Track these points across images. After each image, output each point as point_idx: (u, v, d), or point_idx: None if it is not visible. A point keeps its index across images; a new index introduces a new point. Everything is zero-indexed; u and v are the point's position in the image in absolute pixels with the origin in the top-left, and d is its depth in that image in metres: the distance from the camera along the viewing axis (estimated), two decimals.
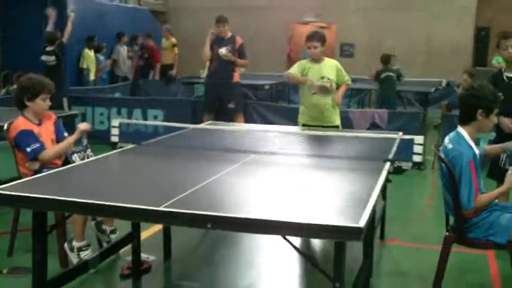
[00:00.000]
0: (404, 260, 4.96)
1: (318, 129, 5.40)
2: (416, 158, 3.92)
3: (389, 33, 17.73)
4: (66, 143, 4.53)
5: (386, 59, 11.75)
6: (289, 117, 8.89)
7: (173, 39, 14.85)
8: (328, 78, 5.94)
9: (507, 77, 4.92)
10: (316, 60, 5.99)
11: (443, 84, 13.48)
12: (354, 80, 12.78)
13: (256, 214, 2.61)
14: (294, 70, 6.09)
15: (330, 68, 6.01)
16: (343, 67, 6.15)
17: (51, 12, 10.02)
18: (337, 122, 6.06)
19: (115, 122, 4.56)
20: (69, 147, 4.50)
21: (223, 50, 8.53)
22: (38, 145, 4.40)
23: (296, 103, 14.31)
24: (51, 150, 4.47)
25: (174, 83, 14.57)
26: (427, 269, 4.20)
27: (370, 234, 3.78)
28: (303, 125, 6.03)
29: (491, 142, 5.04)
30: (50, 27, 9.86)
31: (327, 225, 2.42)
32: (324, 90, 5.88)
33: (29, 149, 4.39)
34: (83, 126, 4.59)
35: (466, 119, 3.78)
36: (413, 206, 6.68)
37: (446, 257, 3.82)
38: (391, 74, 11.54)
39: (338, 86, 6.10)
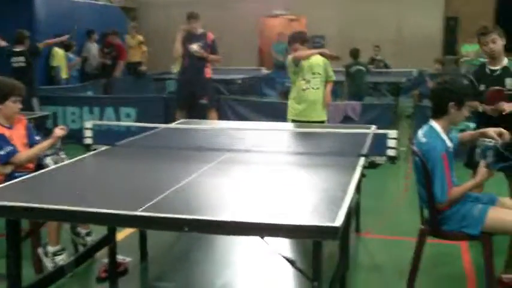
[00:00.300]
0: (380, 253, 5.01)
1: (292, 125, 5.46)
2: (391, 152, 3.94)
3: (359, 24, 17.83)
4: (41, 147, 4.48)
5: (355, 53, 11.84)
6: (263, 112, 8.93)
7: (139, 37, 14.83)
8: (319, 74, 6.31)
9: (490, 70, 4.98)
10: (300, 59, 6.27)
11: (414, 74, 13.59)
12: None
13: (232, 216, 2.61)
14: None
15: (318, 63, 6.34)
16: None
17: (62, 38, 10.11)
18: (325, 117, 6.43)
19: (88, 124, 4.51)
20: (43, 151, 4.45)
21: (194, 46, 8.49)
22: (10, 148, 4.35)
23: (268, 96, 14.43)
24: (24, 153, 4.41)
25: (143, 79, 14.51)
26: (402, 261, 4.26)
27: (346, 229, 3.80)
28: (292, 121, 6.25)
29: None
30: (43, 44, 10.00)
31: (303, 226, 2.44)
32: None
33: (2, 152, 4.33)
34: (59, 132, 4.51)
35: (438, 113, 3.81)
36: (388, 198, 6.76)
37: (421, 250, 3.87)
38: (360, 67, 11.62)
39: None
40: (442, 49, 18.04)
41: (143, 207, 2.68)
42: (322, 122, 6.33)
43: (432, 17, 17.75)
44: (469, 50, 16.08)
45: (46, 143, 4.49)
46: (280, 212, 2.70)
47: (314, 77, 6.27)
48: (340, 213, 2.55)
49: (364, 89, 11.60)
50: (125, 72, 14.32)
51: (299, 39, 6.31)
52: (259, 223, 2.48)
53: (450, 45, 18.23)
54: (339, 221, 2.43)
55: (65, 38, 10.85)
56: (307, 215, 2.62)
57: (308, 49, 6.36)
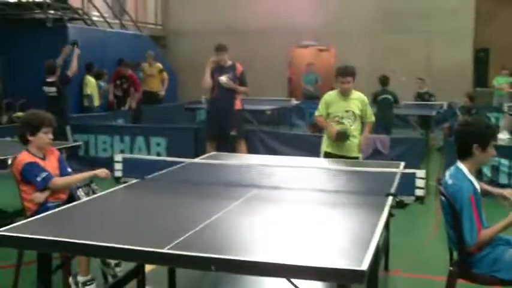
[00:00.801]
0: None
1: (321, 162, 5.47)
2: (419, 192, 3.92)
3: (389, 55, 17.86)
4: (79, 177, 4.55)
5: (384, 81, 11.79)
6: (293, 145, 8.95)
7: (159, 65, 14.62)
8: (353, 113, 6.14)
9: None
10: (345, 94, 6.17)
11: (445, 106, 13.50)
12: None
13: (259, 257, 2.62)
14: (320, 112, 6.30)
15: (355, 100, 6.20)
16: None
17: (66, 49, 10.18)
18: (359, 153, 6.32)
19: (118, 157, 4.58)
20: (80, 181, 4.53)
21: (223, 78, 8.59)
22: (46, 173, 4.44)
23: (298, 126, 14.46)
24: (61, 179, 4.49)
25: (175, 108, 14.67)
26: None
27: (374, 270, 3.78)
28: (326, 153, 6.23)
29: None
30: (59, 60, 9.97)
31: (329, 269, 2.43)
32: (342, 136, 6.11)
33: (39, 179, 4.42)
34: (102, 174, 4.57)
35: (463, 155, 3.80)
36: (417, 235, 6.68)
37: None
38: (388, 96, 11.57)
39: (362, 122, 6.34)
40: (473, 81, 17.94)
41: (170, 245, 2.71)
42: (356, 158, 6.22)
43: (462, 49, 17.68)
44: (500, 81, 15.97)
45: (85, 174, 4.55)
46: (306, 254, 2.70)
47: (348, 116, 6.17)
48: (366, 256, 2.54)
49: (389, 119, 11.50)
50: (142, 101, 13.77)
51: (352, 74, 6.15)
52: (285, 264, 2.49)
53: (481, 76, 18.13)
54: (365, 265, 2.43)
55: (67, 49, 10.60)
56: (333, 258, 2.62)
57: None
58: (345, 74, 6.10)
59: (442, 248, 4.19)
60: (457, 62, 17.55)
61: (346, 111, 6.16)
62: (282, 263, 2.52)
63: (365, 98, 6.31)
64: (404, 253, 5.79)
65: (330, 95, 6.31)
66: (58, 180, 4.48)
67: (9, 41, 13.09)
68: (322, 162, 5.77)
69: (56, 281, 4.25)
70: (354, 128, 6.21)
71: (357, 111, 6.17)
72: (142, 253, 2.71)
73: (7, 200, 5.19)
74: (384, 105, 11.47)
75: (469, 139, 3.75)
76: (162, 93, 14.48)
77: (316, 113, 6.41)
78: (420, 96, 14.36)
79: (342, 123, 6.18)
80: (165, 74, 14.52)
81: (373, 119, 6.36)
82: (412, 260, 5.66)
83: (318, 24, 18.65)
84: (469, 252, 3.67)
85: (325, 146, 6.32)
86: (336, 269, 2.44)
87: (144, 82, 14.12)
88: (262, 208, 3.74)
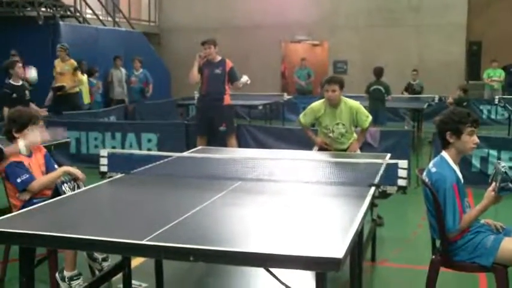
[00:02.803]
0: (396, 282, 4.99)
1: (306, 155, 5.50)
2: (401, 182, 3.95)
3: (381, 49, 17.89)
4: (51, 177, 4.51)
5: (378, 72, 11.80)
6: (282, 139, 8.98)
7: (72, 61, 11.89)
8: (343, 125, 6.08)
9: None
10: (333, 104, 6.09)
11: (436, 99, 13.55)
12: (348, 97, 12.84)
13: (236, 246, 2.65)
14: (305, 119, 6.29)
15: (345, 113, 6.10)
16: None
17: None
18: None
19: (103, 152, 4.60)
20: (53, 182, 4.49)
21: (245, 78, 8.63)
22: (27, 176, 4.43)
23: (291, 121, 14.48)
24: (37, 182, 4.48)
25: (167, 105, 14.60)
26: None
27: (356, 259, 3.80)
28: (319, 148, 6.23)
29: None
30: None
31: (305, 257, 2.45)
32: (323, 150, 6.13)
33: (18, 180, 4.42)
34: (77, 172, 4.56)
35: (443, 144, 3.86)
36: (405, 226, 6.72)
37: (433, 280, 3.84)
38: (379, 87, 11.60)
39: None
40: (466, 74, 17.98)
41: (150, 237, 2.73)
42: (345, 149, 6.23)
43: (454, 42, 17.73)
44: (491, 74, 16.01)
45: (56, 173, 4.53)
46: (284, 243, 2.72)
47: (337, 128, 6.13)
48: (342, 244, 2.56)
49: (380, 110, 11.51)
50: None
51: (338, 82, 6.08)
52: (261, 253, 2.51)
53: (474, 69, 18.17)
54: (340, 253, 2.45)
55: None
56: (310, 246, 2.64)
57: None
58: (331, 81, 6.03)
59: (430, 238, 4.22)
60: (450, 55, 17.59)
61: (337, 124, 6.11)
62: (258, 252, 2.54)
63: (355, 105, 6.16)
64: (392, 244, 5.82)
65: (318, 106, 6.21)
66: (35, 184, 4.45)
67: (1, 39, 13.07)
68: (307, 154, 5.79)
69: (43, 278, 4.30)
70: (345, 137, 6.19)
71: (348, 122, 6.11)
72: (121, 245, 2.72)
73: None
74: (374, 96, 11.50)
75: (442, 128, 3.81)
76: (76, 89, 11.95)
77: (301, 117, 6.38)
78: (410, 87, 14.44)
79: (330, 137, 6.19)
80: (79, 74, 11.94)
81: (367, 125, 6.19)
82: (400, 250, 5.69)
83: (310, 18, 18.66)
84: (451, 239, 3.70)
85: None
86: (311, 257, 2.45)
87: (55, 81, 11.92)
88: (245, 200, 3.76)
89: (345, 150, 6.19)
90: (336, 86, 6.00)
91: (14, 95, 8.72)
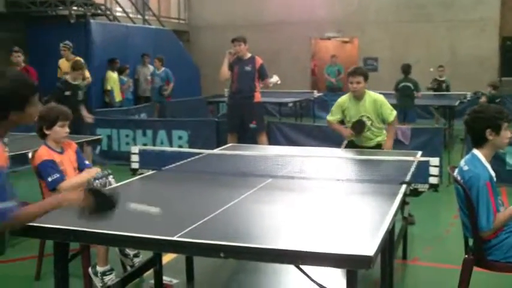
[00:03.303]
0: (427, 281, 4.93)
1: (336, 152, 5.47)
2: (433, 180, 3.91)
3: (412, 45, 17.71)
4: (80, 181, 4.54)
5: (406, 69, 11.71)
6: (314, 136, 8.95)
7: (79, 59, 10.21)
8: (369, 118, 6.00)
9: None
10: (357, 96, 6.03)
11: (468, 96, 13.35)
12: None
13: (267, 243, 2.65)
14: (333, 116, 6.23)
15: (369, 105, 6.03)
16: None
17: None
18: (383, 138, 6.21)
19: (134, 149, 4.64)
20: (83, 184, 4.53)
21: (275, 78, 8.62)
22: (57, 175, 4.48)
23: (321, 119, 14.43)
24: (67, 183, 4.51)
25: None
26: None
27: (387, 257, 3.78)
28: (347, 144, 6.19)
29: None
30: None
31: (335, 254, 2.45)
32: (358, 126, 6.02)
33: (49, 179, 4.48)
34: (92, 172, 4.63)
35: (478, 142, 3.78)
36: (438, 224, 6.65)
37: (466, 280, 3.78)
38: (408, 84, 11.50)
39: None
40: (500, 70, 17.68)
41: (181, 233, 2.75)
42: (379, 145, 6.16)
43: (487, 37, 17.45)
44: None
45: (85, 177, 4.57)
46: (315, 240, 2.72)
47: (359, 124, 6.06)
48: (374, 242, 2.55)
49: (409, 107, 11.40)
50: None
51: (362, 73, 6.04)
52: (292, 251, 2.51)
53: (508, 66, 17.84)
54: (371, 251, 2.43)
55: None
56: (341, 244, 2.63)
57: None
58: (355, 73, 5.98)
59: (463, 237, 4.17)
60: (482, 50, 17.32)
61: (361, 117, 6.04)
62: (289, 249, 2.54)
63: (379, 98, 6.08)
64: (424, 242, 5.77)
65: (344, 99, 6.19)
66: (64, 185, 4.49)
67: (34, 38, 13.28)
68: (337, 151, 5.76)
69: (77, 273, 4.36)
70: (372, 131, 6.11)
71: (373, 115, 6.03)
72: (153, 241, 2.75)
73: (29, 193, 5.30)
74: (403, 93, 11.41)
75: (481, 125, 3.73)
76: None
77: (328, 117, 6.33)
78: (437, 82, 14.26)
79: None
80: (87, 73, 10.45)
81: (392, 118, 6.06)
82: (431, 249, 5.64)
83: (340, 15, 18.56)
84: (484, 238, 3.65)
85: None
86: (342, 254, 2.45)
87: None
88: (275, 197, 3.76)
89: (373, 147, 6.12)
90: (360, 77, 5.95)
91: (67, 93, 8.69)
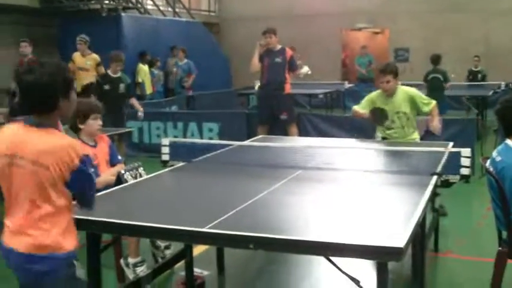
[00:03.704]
0: (459, 274, 4.89)
1: (365, 143, 5.41)
2: (464, 171, 3.86)
3: (444, 35, 17.44)
4: (107, 179, 4.55)
5: (435, 59, 11.52)
6: (344, 127, 8.89)
7: (95, 56, 10.82)
8: (405, 113, 5.80)
9: None
10: (389, 94, 5.82)
11: (502, 86, 13.12)
12: (409, 85, 12.58)
13: (297, 235, 2.65)
14: (362, 106, 5.99)
15: (403, 100, 5.82)
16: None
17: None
18: (416, 136, 6.03)
19: (165, 141, 4.67)
20: (110, 182, 4.56)
21: (305, 68, 8.55)
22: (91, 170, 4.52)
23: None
24: (99, 181, 4.53)
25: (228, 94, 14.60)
26: (483, 284, 4.09)
27: (419, 250, 3.75)
28: (383, 138, 5.96)
29: None
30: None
31: (365, 246, 2.43)
32: (376, 113, 5.76)
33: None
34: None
35: (508, 131, 3.72)
36: (471, 216, 6.57)
37: (500, 273, 3.72)
38: (437, 75, 11.33)
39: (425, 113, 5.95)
40: None
41: (211, 224, 2.76)
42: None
43: None
44: None
45: (113, 175, 4.58)
46: (345, 232, 2.71)
47: (399, 117, 5.83)
48: (404, 233, 2.53)
49: (440, 98, 11.15)
50: None
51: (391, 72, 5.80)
52: (322, 242, 2.51)
53: None
54: (402, 242, 2.41)
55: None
56: (371, 235, 2.61)
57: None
58: (384, 72, 5.75)
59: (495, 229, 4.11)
60: None
61: (397, 113, 5.81)
62: (319, 240, 2.54)
63: (411, 91, 5.91)
64: (456, 234, 5.71)
65: (375, 95, 5.96)
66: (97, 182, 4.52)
67: (67, 33, 13.39)
68: (367, 143, 5.70)
69: (109, 264, 4.42)
70: (406, 128, 5.89)
71: (408, 110, 5.82)
72: (183, 232, 2.77)
73: None
74: (433, 84, 11.25)
75: None
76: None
77: (356, 106, 6.10)
78: (472, 73, 14.02)
79: (392, 128, 5.88)
80: (102, 69, 10.35)
81: (430, 107, 5.84)
82: (464, 241, 5.57)
83: (370, 5, 18.37)
84: None
85: (381, 133, 6.05)
86: (372, 246, 2.43)
87: (75, 77, 9.93)
88: (305, 188, 3.75)
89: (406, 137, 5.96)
90: (389, 76, 5.73)
91: (106, 87, 8.52)
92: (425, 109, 5.86)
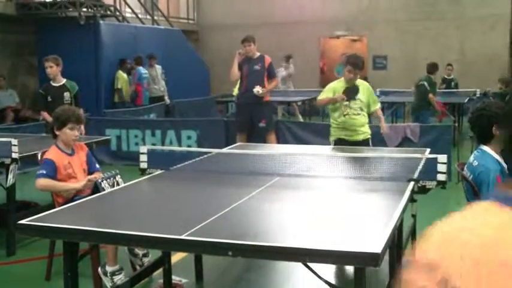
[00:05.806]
0: None
1: (344, 150, 5.48)
2: (440, 177, 3.89)
3: (421, 43, 17.63)
4: (71, 187, 4.59)
5: (428, 68, 11.47)
6: (322, 134, 8.86)
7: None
8: (361, 101, 6.19)
9: None
10: (350, 83, 6.21)
11: (478, 94, 13.29)
12: (387, 93, 12.76)
13: (275, 242, 2.66)
14: (323, 95, 6.32)
15: (362, 90, 6.24)
16: (376, 81, 6.38)
17: None
18: (368, 131, 6.34)
19: (143, 149, 4.65)
20: (68, 191, 4.55)
21: (259, 90, 8.57)
22: (44, 172, 4.51)
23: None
24: (49, 182, 4.53)
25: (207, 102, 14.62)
26: None
27: (396, 256, 3.78)
28: (336, 141, 6.21)
29: None
30: None
31: (344, 252, 2.45)
32: (350, 90, 6.12)
33: (38, 172, 4.53)
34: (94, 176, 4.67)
35: (485, 139, 3.78)
36: None
37: None
38: (422, 82, 11.40)
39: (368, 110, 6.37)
40: (509, 67, 17.58)
41: (189, 232, 2.76)
42: (367, 140, 6.26)
43: (497, 34, 17.34)
44: None
45: (77, 185, 4.60)
46: (322, 238, 2.72)
47: (355, 102, 6.18)
48: (381, 239, 2.55)
49: (422, 105, 11.25)
50: None
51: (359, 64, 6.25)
52: (300, 248, 2.52)
53: None
54: (379, 248, 2.43)
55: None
56: (349, 241, 2.63)
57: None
58: (357, 67, 6.14)
59: None
60: (492, 48, 17.21)
61: (356, 99, 6.18)
62: (297, 247, 2.55)
63: (369, 86, 6.40)
64: None
65: (337, 84, 6.32)
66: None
67: (44, 41, 13.31)
68: (345, 149, 5.75)
69: (86, 273, 4.38)
70: (361, 115, 6.23)
71: (364, 100, 6.22)
72: (161, 240, 2.76)
73: (40, 194, 5.35)
74: (417, 91, 11.33)
75: (488, 122, 3.73)
76: None
77: (319, 96, 6.46)
78: (446, 82, 14.19)
79: (347, 114, 6.18)
80: None
81: (376, 107, 6.42)
82: None
83: (349, 13, 18.51)
84: None
85: (334, 137, 6.32)
86: (350, 251, 2.45)
87: None
88: (283, 195, 3.77)
89: (361, 141, 6.17)
90: (360, 71, 6.24)
91: (49, 98, 7.50)
92: (374, 107, 6.38)
